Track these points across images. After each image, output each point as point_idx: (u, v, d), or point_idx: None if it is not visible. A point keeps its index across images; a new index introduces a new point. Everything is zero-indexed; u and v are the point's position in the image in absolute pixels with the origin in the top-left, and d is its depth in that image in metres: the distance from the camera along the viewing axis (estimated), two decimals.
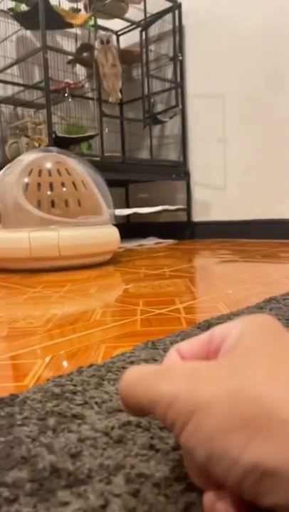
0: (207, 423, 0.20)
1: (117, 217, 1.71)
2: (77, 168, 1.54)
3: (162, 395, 0.22)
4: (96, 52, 1.96)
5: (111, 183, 1.69)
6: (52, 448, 0.31)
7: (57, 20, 2.13)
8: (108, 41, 1.96)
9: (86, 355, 0.56)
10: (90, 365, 0.49)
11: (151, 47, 2.56)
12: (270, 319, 0.27)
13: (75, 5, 2.42)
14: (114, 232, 1.55)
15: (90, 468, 0.29)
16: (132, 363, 0.49)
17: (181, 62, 2.50)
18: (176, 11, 2.45)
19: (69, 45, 2.54)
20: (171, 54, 2.52)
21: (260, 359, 0.22)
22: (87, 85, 2.62)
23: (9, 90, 2.36)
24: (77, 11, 2.40)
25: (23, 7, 2.25)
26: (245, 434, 0.19)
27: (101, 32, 2.06)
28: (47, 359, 0.55)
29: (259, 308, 0.74)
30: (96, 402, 0.39)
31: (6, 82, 2.34)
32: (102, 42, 1.96)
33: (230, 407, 0.20)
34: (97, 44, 1.97)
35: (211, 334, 0.27)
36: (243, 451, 0.19)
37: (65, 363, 0.53)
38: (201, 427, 0.20)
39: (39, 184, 1.45)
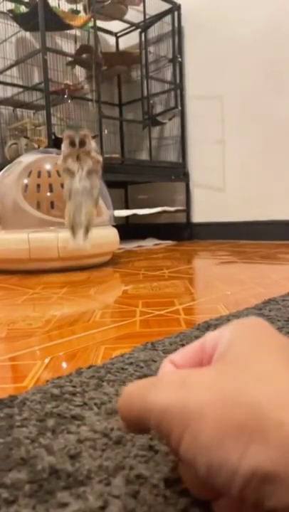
0: (202, 434, 0.20)
1: (116, 219, 1.71)
2: None
3: (153, 406, 0.22)
4: (60, 160, 1.15)
5: (110, 184, 1.70)
6: (51, 449, 0.31)
7: (56, 22, 2.13)
8: (83, 143, 1.11)
9: (85, 356, 0.56)
10: (90, 366, 0.49)
11: (151, 48, 2.57)
12: (261, 322, 0.27)
13: (74, 6, 2.42)
14: (113, 233, 1.55)
15: (89, 469, 0.29)
16: (131, 364, 0.49)
17: (181, 64, 2.50)
18: (176, 13, 2.46)
19: (68, 47, 2.54)
20: (170, 55, 2.53)
21: (250, 364, 0.22)
22: (86, 87, 2.62)
23: (9, 91, 2.36)
24: (76, 12, 2.40)
25: (23, 8, 2.25)
26: (241, 441, 0.19)
27: (69, 130, 1.16)
28: (46, 360, 0.55)
29: (258, 309, 0.74)
30: (95, 404, 0.39)
31: (5, 84, 2.34)
32: (72, 144, 1.12)
33: (223, 413, 0.20)
34: (64, 146, 1.16)
35: (203, 342, 0.27)
36: (241, 460, 0.18)
37: (64, 364, 0.53)
38: (197, 438, 0.20)
39: (38, 185, 1.45)
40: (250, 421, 0.19)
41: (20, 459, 0.30)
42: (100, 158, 1.19)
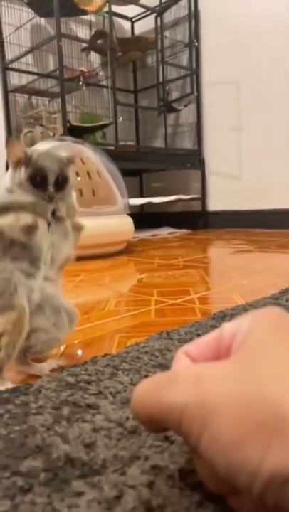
0: (221, 434, 0.19)
1: (130, 207, 1.70)
2: (92, 157, 1.54)
3: (171, 408, 0.21)
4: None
5: (125, 172, 1.68)
6: (66, 437, 0.31)
7: (71, 7, 2.10)
8: (63, 182, 0.47)
9: (100, 344, 0.56)
10: (105, 355, 0.49)
11: (167, 33, 2.52)
12: (280, 312, 0.26)
13: None
14: (128, 222, 1.54)
15: (104, 458, 0.29)
16: (146, 353, 0.49)
17: (197, 49, 2.45)
18: None
19: (83, 33, 2.51)
20: (186, 40, 2.48)
21: (268, 357, 0.22)
22: (101, 73, 2.60)
23: (24, 79, 2.36)
24: None
25: None
26: (260, 443, 0.18)
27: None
28: (61, 348, 0.55)
29: (275, 299, 0.73)
30: (110, 392, 0.39)
31: (20, 71, 2.33)
32: (39, 182, 0.46)
33: (242, 412, 0.19)
34: (18, 184, 0.47)
35: (221, 332, 0.27)
36: (261, 463, 0.18)
37: (79, 353, 0.53)
38: (216, 438, 0.19)
39: None
40: (269, 421, 0.18)
41: (35, 447, 0.30)
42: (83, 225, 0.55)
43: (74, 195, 0.53)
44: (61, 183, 0.47)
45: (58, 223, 0.49)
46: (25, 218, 0.45)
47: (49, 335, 0.46)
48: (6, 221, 0.45)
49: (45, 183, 0.46)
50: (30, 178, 0.46)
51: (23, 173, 0.46)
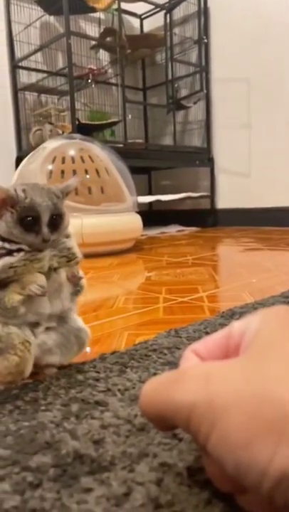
0: (230, 433, 0.19)
1: (139, 205, 1.70)
2: (101, 155, 1.54)
3: (179, 406, 0.22)
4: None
5: (134, 170, 1.68)
6: (75, 434, 0.32)
7: (80, 5, 2.10)
8: (58, 221, 0.41)
9: (109, 342, 0.56)
10: (113, 352, 0.49)
11: (176, 30, 2.51)
12: None
13: None
14: (136, 220, 1.54)
15: (112, 455, 0.29)
16: (154, 350, 0.49)
17: (206, 46, 2.44)
18: None
19: (92, 30, 2.51)
20: (196, 37, 2.46)
21: (277, 356, 0.21)
22: (110, 71, 2.60)
23: (33, 77, 2.36)
24: None
25: None
26: (269, 443, 0.18)
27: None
28: None
29: (285, 297, 0.72)
30: (119, 390, 0.39)
31: (29, 69, 2.34)
32: (30, 223, 0.38)
33: (250, 412, 0.19)
34: (8, 233, 0.39)
35: (230, 330, 0.27)
36: (270, 462, 0.18)
37: (88, 350, 0.53)
38: (224, 438, 0.19)
39: (63, 171, 1.45)
40: (277, 421, 0.18)
41: (45, 443, 0.31)
42: (83, 277, 0.49)
43: (72, 236, 0.44)
44: (56, 220, 0.40)
45: (49, 275, 0.41)
46: (33, 288, 0.39)
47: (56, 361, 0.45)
48: (16, 297, 0.39)
49: (38, 223, 0.39)
50: (21, 220, 0.38)
51: (9, 218, 0.38)
